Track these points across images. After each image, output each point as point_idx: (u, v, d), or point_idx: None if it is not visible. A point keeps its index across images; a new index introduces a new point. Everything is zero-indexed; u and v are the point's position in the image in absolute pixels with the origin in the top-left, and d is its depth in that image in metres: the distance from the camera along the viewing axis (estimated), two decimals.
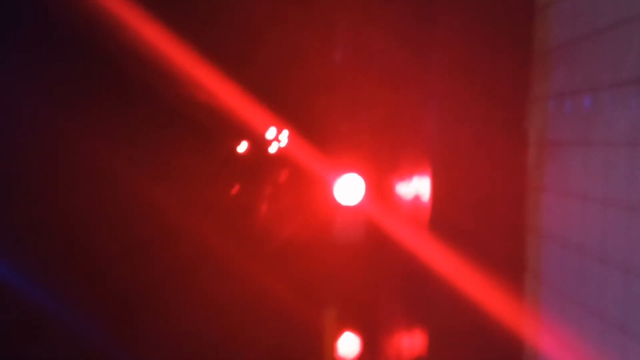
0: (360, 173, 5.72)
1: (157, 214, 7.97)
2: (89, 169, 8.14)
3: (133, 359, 6.79)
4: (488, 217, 3.56)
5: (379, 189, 5.72)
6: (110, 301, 7.49)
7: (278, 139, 9.16)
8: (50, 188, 8.11)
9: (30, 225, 7.78)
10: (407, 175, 4.62)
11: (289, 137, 8.62)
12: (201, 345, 7.20)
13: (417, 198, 4.20)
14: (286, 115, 7.59)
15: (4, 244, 7.69)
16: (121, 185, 8.10)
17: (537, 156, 3.37)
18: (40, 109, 7.78)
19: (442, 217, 3.66)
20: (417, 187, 4.20)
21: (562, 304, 3.02)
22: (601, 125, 2.70)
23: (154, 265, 7.80)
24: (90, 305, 7.36)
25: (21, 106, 7.74)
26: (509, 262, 3.51)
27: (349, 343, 5.80)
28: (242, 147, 9.69)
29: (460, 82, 3.61)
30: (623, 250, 2.48)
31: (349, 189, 5.85)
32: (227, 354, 6.76)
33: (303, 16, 6.38)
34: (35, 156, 8.01)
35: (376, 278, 5.81)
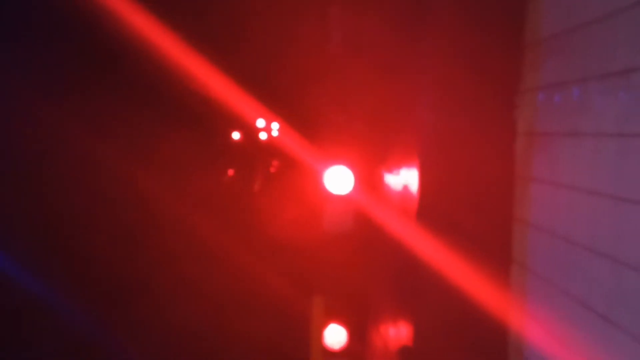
0: (351, 163, 5.72)
1: (148, 204, 7.97)
2: (80, 159, 8.12)
3: (123, 347, 6.81)
4: (477, 207, 3.58)
5: (370, 178, 5.73)
6: (100, 290, 7.50)
7: (268, 128, 9.15)
8: (40, 178, 8.10)
9: (20, 215, 7.77)
10: (398, 165, 4.64)
11: (280, 127, 8.62)
12: (190, 335, 7.22)
13: (407, 188, 4.22)
14: (277, 105, 7.58)
15: (11, 230, 7.69)
16: (112, 175, 8.08)
17: (526, 147, 3.39)
18: (29, 99, 7.75)
19: (431, 207, 3.68)
20: (407, 177, 4.21)
21: (548, 293, 3.05)
22: (590, 116, 2.72)
23: (144, 254, 7.81)
24: (81, 293, 7.37)
25: (10, 97, 7.71)
26: (496, 251, 3.53)
27: (337, 332, 5.83)
28: (234, 136, 9.68)
29: (451, 73, 3.63)
30: (610, 241, 2.51)
31: (339, 179, 5.85)
32: (216, 343, 6.79)
33: (295, 5, 6.37)
34: (25, 146, 7.98)
35: (365, 267, 5.83)
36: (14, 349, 7.05)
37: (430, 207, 3.71)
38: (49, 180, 8.12)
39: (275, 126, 8.82)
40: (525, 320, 3.36)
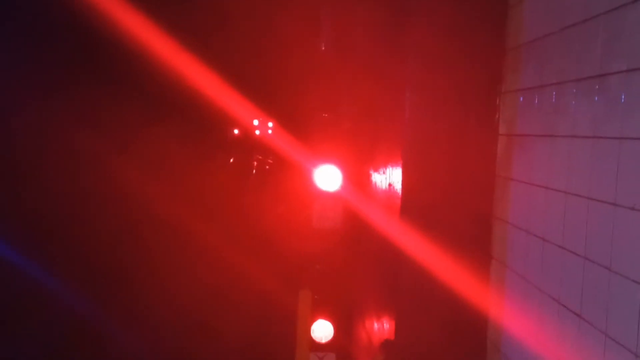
0: (339, 161, 5.80)
1: (137, 200, 8.01)
2: (80, 156, 8.16)
3: (110, 340, 6.87)
4: (458, 205, 3.68)
5: (356, 176, 5.82)
6: (87, 284, 7.54)
7: (258, 127, 9.21)
8: (29, 174, 8.13)
9: (9, 210, 7.80)
10: (383, 164, 4.73)
11: (269, 126, 8.69)
12: (177, 329, 7.28)
13: (391, 186, 4.31)
14: (266, 104, 7.65)
15: (3, 224, 7.74)
16: (99, 171, 8.13)
17: (505, 147, 3.49)
18: (19, 96, 7.77)
19: (414, 204, 3.78)
20: (391, 175, 4.30)
21: (525, 290, 3.15)
22: (566, 119, 2.82)
23: (130, 250, 7.85)
24: (77, 282, 7.42)
25: (11, 94, 7.73)
26: (476, 248, 3.64)
27: (323, 327, 5.91)
28: (224, 135, 9.73)
29: (434, 75, 3.72)
30: (582, 240, 2.61)
31: (326, 176, 5.93)
32: (202, 337, 6.85)
33: (283, 8, 6.43)
34: (29, 144, 8.01)
35: (352, 263, 5.92)
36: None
37: (412, 205, 3.81)
38: (37, 176, 8.15)
39: (264, 125, 8.89)
40: (503, 316, 3.46)
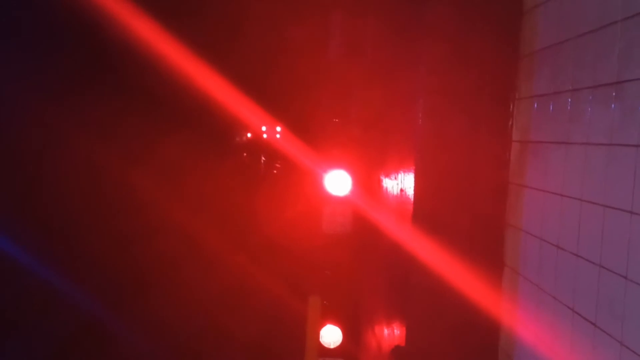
0: (349, 166, 5.80)
1: (146, 206, 8.03)
2: (81, 163, 8.18)
3: (118, 345, 6.88)
4: (470, 211, 3.66)
5: (366, 182, 5.81)
6: (96, 289, 7.56)
7: (267, 132, 9.22)
8: (40, 178, 8.17)
9: (21, 214, 7.83)
10: (395, 169, 4.71)
11: (279, 130, 8.69)
12: (185, 335, 7.28)
13: (402, 191, 4.30)
14: (276, 109, 7.65)
15: (10, 231, 7.78)
16: (110, 176, 8.15)
17: (519, 154, 3.47)
18: (33, 103, 7.81)
19: (426, 210, 3.76)
20: (403, 181, 4.29)
21: (538, 298, 3.13)
22: (580, 126, 2.80)
23: (140, 255, 7.87)
24: (77, 291, 7.44)
25: (14, 100, 7.77)
26: (489, 255, 3.61)
27: (332, 332, 5.90)
28: (233, 140, 9.75)
29: (447, 81, 3.70)
30: (597, 248, 2.58)
31: (336, 182, 5.93)
32: (212, 343, 6.85)
33: (294, 10, 6.43)
34: (25, 147, 8.04)
35: (361, 268, 5.91)
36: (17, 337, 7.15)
37: (424, 211, 3.79)
38: (52, 183, 8.19)
39: (274, 129, 8.90)
40: (516, 324, 3.44)
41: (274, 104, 7.45)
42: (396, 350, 4.10)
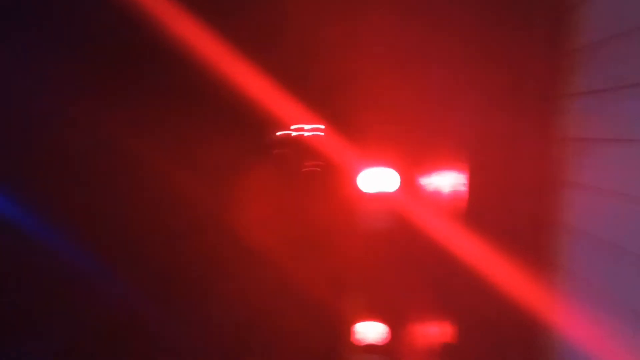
0: (391, 163, 5.79)
1: (192, 203, 8.14)
2: (127, 160, 8.31)
3: (165, 337, 6.97)
4: (515, 209, 3.63)
5: (409, 178, 5.80)
6: (142, 283, 7.68)
7: (307, 129, 9.25)
8: (92, 176, 8.33)
9: (68, 209, 7.99)
10: (436, 165, 4.70)
11: (319, 127, 8.71)
12: (227, 329, 7.35)
13: (446, 189, 4.28)
14: (316, 106, 7.66)
15: (56, 222, 7.97)
16: (155, 175, 8.27)
17: (565, 152, 3.43)
18: (79, 101, 7.96)
19: (471, 207, 3.74)
20: (447, 178, 4.27)
21: (589, 297, 3.09)
22: (626, 123, 2.76)
23: (185, 250, 7.97)
24: (125, 284, 7.56)
25: (59, 98, 7.93)
26: (534, 253, 3.58)
27: (374, 330, 5.91)
28: (273, 137, 9.80)
29: (491, 76, 3.67)
30: None
31: (377, 178, 5.93)
32: (252, 338, 6.90)
33: (336, 6, 6.42)
34: (70, 145, 8.20)
35: (403, 266, 5.90)
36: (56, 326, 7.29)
37: (469, 208, 3.77)
38: (98, 181, 8.34)
39: (313, 126, 8.92)
40: (566, 324, 3.40)
41: (315, 101, 7.47)
42: (445, 347, 4.10)
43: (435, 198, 4.76)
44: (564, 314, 3.39)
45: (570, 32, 3.42)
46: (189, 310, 7.33)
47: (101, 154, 8.49)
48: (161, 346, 7.01)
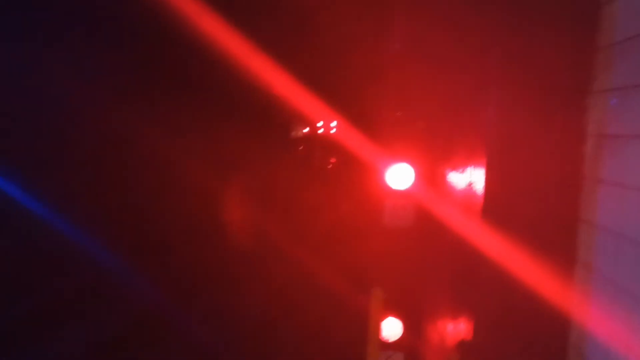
0: (412, 159, 5.77)
1: (215, 197, 8.20)
2: (152, 157, 8.40)
3: (190, 330, 7.04)
4: (542, 206, 3.60)
5: (432, 174, 5.78)
6: (170, 278, 7.76)
7: (329, 125, 9.27)
8: (125, 173, 8.44)
9: (101, 203, 8.09)
10: (461, 162, 4.68)
11: (341, 124, 8.73)
12: (250, 326, 7.39)
13: (470, 185, 4.26)
14: (340, 102, 7.67)
15: (89, 221, 8.08)
16: (182, 171, 8.35)
17: (595, 148, 3.40)
18: (107, 98, 8.07)
19: (496, 204, 3.73)
20: (471, 175, 4.25)
21: (614, 293, 3.07)
22: None
23: (215, 247, 8.04)
24: (153, 279, 7.64)
25: (90, 96, 8.04)
26: (560, 251, 3.55)
27: (394, 325, 5.90)
28: (295, 134, 9.83)
29: (520, 71, 3.65)
30: None
31: (399, 175, 5.91)
32: (275, 333, 6.93)
33: (357, 3, 6.42)
34: (103, 142, 8.31)
35: (424, 262, 5.88)
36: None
37: (494, 205, 3.75)
38: (117, 175, 8.43)
39: (335, 123, 8.93)
40: (589, 320, 3.38)
41: (340, 99, 7.48)
42: (462, 344, 4.08)
43: (459, 195, 4.75)
44: (589, 311, 3.37)
45: (602, 28, 3.39)
46: (217, 304, 7.38)
47: (126, 150, 8.57)
48: (187, 340, 7.08)
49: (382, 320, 6.06)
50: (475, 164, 4.14)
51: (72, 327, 7.50)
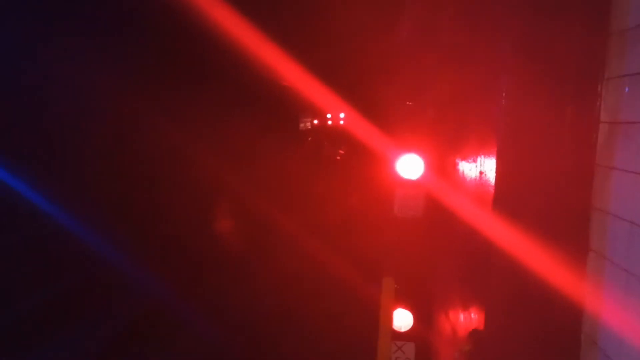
0: (422, 149, 5.75)
1: (227, 191, 8.22)
2: (161, 148, 8.43)
3: (198, 320, 7.08)
4: (554, 194, 3.57)
5: (440, 165, 5.76)
6: (180, 268, 7.80)
7: (340, 116, 9.25)
8: (134, 166, 8.48)
9: (120, 198, 8.13)
10: (472, 152, 4.65)
11: (351, 115, 8.71)
12: (259, 315, 7.42)
13: (481, 175, 4.24)
14: (350, 93, 7.66)
15: (105, 215, 8.14)
16: (192, 162, 8.37)
17: (608, 135, 3.36)
18: (124, 96, 8.09)
19: (508, 193, 3.70)
20: (482, 164, 4.23)
21: (627, 282, 3.04)
22: None
23: (223, 237, 8.07)
24: (165, 269, 7.68)
25: (107, 94, 8.07)
26: (572, 239, 3.53)
27: (405, 316, 5.90)
28: (308, 124, 9.83)
29: (529, 58, 3.62)
30: None
31: (409, 165, 5.89)
32: (287, 323, 6.95)
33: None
34: (117, 137, 8.34)
35: (434, 252, 5.87)
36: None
37: (506, 194, 3.73)
38: (126, 167, 8.46)
39: (346, 114, 8.92)
40: (601, 309, 3.35)
41: (347, 88, 7.46)
42: (474, 334, 4.07)
43: (470, 184, 4.72)
44: (602, 300, 3.34)
45: (614, 14, 3.34)
46: (211, 298, 7.40)
47: (137, 142, 8.60)
48: (182, 335, 7.11)
49: (394, 310, 6.06)
50: (486, 153, 4.11)
51: (79, 323, 7.56)
